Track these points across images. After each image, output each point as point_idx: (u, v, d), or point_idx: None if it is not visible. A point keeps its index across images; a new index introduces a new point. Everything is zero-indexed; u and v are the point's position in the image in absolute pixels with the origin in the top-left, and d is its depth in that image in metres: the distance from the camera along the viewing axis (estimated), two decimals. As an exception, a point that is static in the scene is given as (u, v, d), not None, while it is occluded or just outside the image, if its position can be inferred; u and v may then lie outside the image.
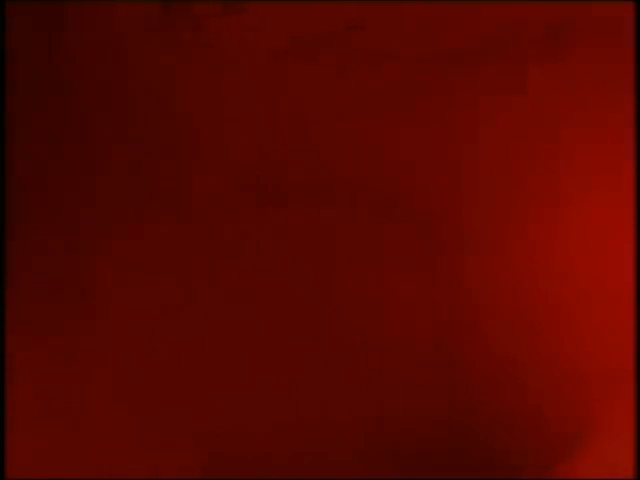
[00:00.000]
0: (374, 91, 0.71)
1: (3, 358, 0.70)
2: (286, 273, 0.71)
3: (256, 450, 0.71)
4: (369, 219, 0.71)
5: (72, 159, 0.72)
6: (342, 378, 0.71)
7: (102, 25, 0.72)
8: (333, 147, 0.71)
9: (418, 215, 0.71)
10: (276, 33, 0.71)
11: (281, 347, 0.71)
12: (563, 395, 0.71)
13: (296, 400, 0.71)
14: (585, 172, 0.72)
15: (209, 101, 0.71)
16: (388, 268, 0.71)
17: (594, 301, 0.72)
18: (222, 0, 0.71)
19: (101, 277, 0.71)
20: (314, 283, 0.71)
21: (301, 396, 0.71)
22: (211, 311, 0.71)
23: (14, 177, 0.72)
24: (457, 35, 0.71)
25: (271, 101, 0.71)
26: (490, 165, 0.71)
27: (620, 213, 0.72)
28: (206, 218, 0.71)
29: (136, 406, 0.71)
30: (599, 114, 0.72)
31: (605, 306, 0.72)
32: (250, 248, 0.71)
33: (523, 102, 0.71)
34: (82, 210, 0.71)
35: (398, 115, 0.71)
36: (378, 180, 0.71)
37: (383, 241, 0.71)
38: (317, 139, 0.71)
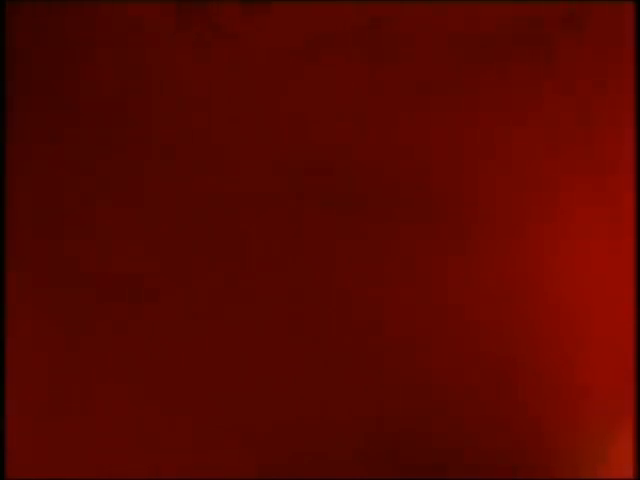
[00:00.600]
0: (400, 88, 0.71)
1: (3, 358, 0.70)
2: (307, 274, 0.71)
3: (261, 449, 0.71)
4: (401, 219, 0.71)
5: (84, 160, 0.72)
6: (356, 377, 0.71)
7: (114, 25, 0.72)
8: (359, 145, 0.71)
9: (449, 215, 0.71)
10: (297, 32, 0.71)
11: (303, 347, 0.71)
12: (563, 398, 0.72)
13: (310, 398, 0.71)
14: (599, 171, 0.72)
15: (228, 102, 0.71)
16: (396, 268, 0.71)
17: (595, 304, 0.72)
18: (243, 0, 0.71)
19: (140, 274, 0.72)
20: (320, 283, 0.71)
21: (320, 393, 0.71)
22: (227, 308, 0.71)
23: (14, 181, 0.72)
24: (479, 26, 0.71)
25: (294, 101, 0.71)
26: (518, 163, 0.71)
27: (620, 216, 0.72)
28: (232, 220, 0.71)
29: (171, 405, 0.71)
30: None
31: (606, 308, 0.72)
32: (281, 249, 0.71)
33: (551, 98, 0.71)
34: (95, 218, 0.72)
35: (423, 112, 0.71)
36: (411, 179, 0.71)
37: (412, 241, 0.71)
38: (344, 137, 0.71)
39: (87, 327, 0.72)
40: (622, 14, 0.72)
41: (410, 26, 0.71)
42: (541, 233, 0.72)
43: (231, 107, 0.72)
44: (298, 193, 0.71)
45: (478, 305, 0.71)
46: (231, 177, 0.71)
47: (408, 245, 0.71)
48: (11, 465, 0.70)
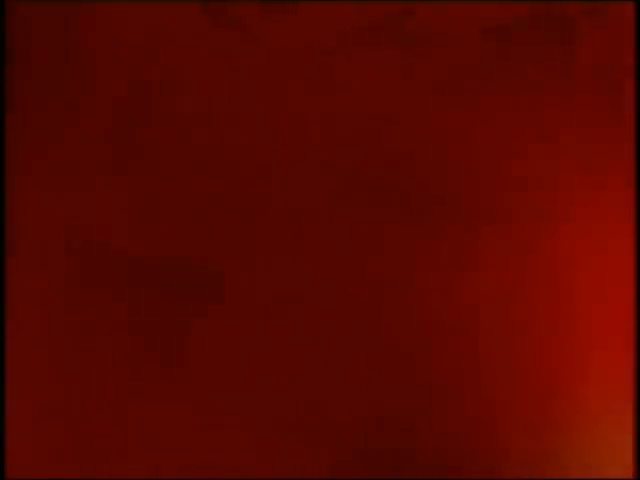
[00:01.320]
0: (431, 80, 0.71)
1: (3, 358, 0.70)
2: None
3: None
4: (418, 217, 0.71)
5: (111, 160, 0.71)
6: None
7: (140, 25, 0.71)
8: (392, 140, 0.71)
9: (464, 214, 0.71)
10: (324, 31, 0.70)
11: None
12: (563, 400, 0.71)
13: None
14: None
15: (255, 102, 0.71)
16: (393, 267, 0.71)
17: (595, 304, 0.72)
18: (268, 0, 0.70)
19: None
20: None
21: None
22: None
23: (17, 180, 0.72)
24: (509, 16, 0.71)
25: (324, 97, 0.71)
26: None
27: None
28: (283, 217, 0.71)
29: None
30: None
31: (606, 309, 0.72)
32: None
33: (571, 83, 0.71)
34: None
35: (455, 104, 0.71)
36: (445, 175, 0.71)
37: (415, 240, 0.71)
38: (377, 133, 0.71)
39: (88, 325, 0.71)
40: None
41: (440, 18, 0.71)
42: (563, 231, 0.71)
43: (258, 107, 0.71)
44: (333, 192, 0.71)
45: (479, 311, 0.71)
46: (258, 177, 0.71)
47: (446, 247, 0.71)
48: (11, 465, 0.70)
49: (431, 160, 0.71)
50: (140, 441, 0.70)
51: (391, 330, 0.71)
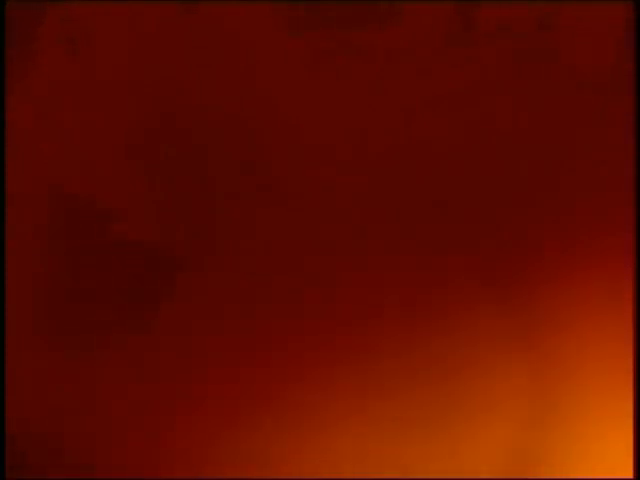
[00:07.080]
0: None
1: (3, 358, 0.70)
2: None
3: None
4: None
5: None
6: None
7: (236, 25, 0.70)
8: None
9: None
10: (429, 29, 0.69)
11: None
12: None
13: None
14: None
15: (344, 113, 0.70)
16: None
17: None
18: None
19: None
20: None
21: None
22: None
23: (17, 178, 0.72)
24: None
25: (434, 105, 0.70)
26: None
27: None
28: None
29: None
30: None
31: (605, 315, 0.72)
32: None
33: None
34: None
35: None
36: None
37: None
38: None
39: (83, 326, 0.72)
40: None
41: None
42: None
43: (378, 115, 0.70)
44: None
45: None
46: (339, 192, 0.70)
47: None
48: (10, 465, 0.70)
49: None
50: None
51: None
